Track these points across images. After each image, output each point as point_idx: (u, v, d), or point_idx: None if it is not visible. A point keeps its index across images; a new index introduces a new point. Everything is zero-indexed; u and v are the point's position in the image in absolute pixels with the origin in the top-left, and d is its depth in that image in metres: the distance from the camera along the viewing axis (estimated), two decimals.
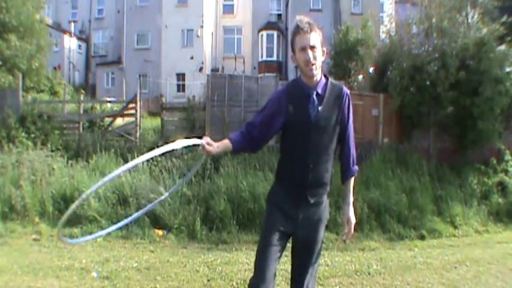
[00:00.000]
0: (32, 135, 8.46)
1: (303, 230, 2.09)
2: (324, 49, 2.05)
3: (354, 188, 2.23)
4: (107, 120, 10.08)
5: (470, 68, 8.34)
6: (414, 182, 7.16)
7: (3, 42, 11.48)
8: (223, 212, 5.66)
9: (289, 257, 2.22)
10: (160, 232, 5.50)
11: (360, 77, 13.90)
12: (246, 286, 2.16)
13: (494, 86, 8.20)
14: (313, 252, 2.12)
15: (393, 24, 10.91)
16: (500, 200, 7.57)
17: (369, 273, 4.26)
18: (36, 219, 5.65)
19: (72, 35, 24.41)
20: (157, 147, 1.81)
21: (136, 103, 9.52)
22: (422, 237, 5.96)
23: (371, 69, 11.76)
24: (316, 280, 2.17)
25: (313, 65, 1.99)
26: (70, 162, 7.18)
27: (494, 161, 8.69)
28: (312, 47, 1.97)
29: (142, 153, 1.78)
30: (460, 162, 8.57)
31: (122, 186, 6.10)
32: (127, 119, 9.98)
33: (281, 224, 2.08)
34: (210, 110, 9.18)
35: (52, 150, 7.62)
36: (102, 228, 5.46)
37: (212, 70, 21.39)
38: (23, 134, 8.38)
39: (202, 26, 21.94)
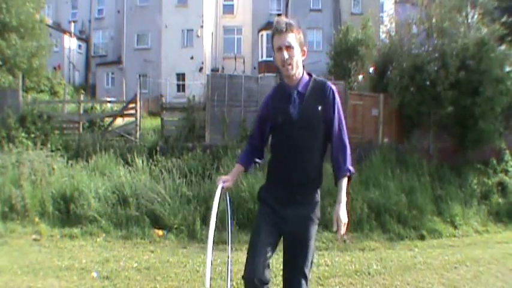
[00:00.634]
0: (32, 135, 8.46)
1: (292, 228, 2.09)
2: (305, 49, 2.07)
3: (349, 188, 2.18)
4: (107, 120, 10.08)
5: (470, 67, 8.35)
6: (414, 182, 7.16)
7: (3, 41, 11.48)
8: (223, 212, 5.65)
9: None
10: (160, 232, 5.50)
11: (360, 77, 13.93)
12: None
13: (495, 85, 8.21)
14: (304, 250, 2.10)
15: (393, 24, 10.92)
16: (500, 200, 7.59)
17: (369, 273, 4.26)
18: (36, 219, 5.65)
19: (72, 35, 24.39)
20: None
21: (136, 103, 9.52)
22: (422, 237, 5.97)
23: (371, 69, 11.77)
24: (310, 279, 2.16)
25: (289, 64, 2.01)
26: (70, 162, 7.19)
27: (494, 161, 8.71)
28: (288, 47, 1.99)
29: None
30: (460, 162, 8.58)
31: (122, 186, 6.10)
32: (127, 119, 9.99)
33: (271, 220, 2.10)
34: (210, 110, 9.18)
35: (52, 150, 7.63)
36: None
37: (212, 70, 21.39)
38: (23, 134, 8.38)
39: (202, 26, 21.93)
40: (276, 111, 2.13)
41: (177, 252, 4.88)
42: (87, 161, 7.41)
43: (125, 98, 13.91)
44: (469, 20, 9.63)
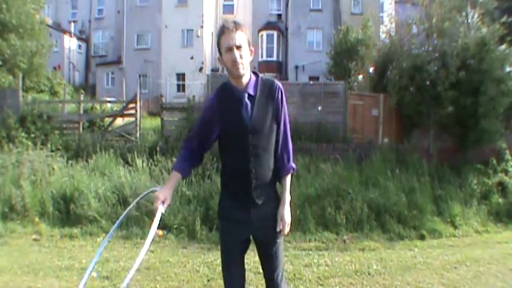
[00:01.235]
0: (32, 135, 8.47)
1: (260, 230, 2.09)
2: (252, 49, 2.00)
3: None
4: (107, 120, 10.09)
5: (470, 67, 8.35)
6: (414, 182, 7.15)
7: (4, 41, 11.48)
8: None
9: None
10: (160, 232, 5.49)
11: (360, 77, 13.93)
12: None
13: (497, 85, 8.21)
14: (278, 248, 2.12)
15: (393, 24, 10.93)
16: (500, 200, 7.57)
17: (369, 273, 4.26)
18: (36, 219, 5.64)
19: (72, 35, 24.40)
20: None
21: (136, 103, 9.53)
22: (422, 237, 5.95)
23: (371, 69, 11.77)
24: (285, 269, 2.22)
25: (240, 64, 1.94)
26: (70, 162, 7.19)
27: (494, 161, 8.70)
28: (238, 47, 1.92)
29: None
30: (460, 162, 8.57)
31: (121, 186, 6.10)
32: (127, 119, 9.99)
33: (237, 234, 2.08)
34: None
35: (52, 150, 7.63)
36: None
37: (212, 70, 21.38)
38: (23, 134, 8.38)
39: (202, 26, 21.94)
40: (225, 115, 2.02)
41: (177, 252, 4.88)
42: (87, 161, 7.41)
43: (125, 98, 13.93)
44: (469, 20, 9.63)
